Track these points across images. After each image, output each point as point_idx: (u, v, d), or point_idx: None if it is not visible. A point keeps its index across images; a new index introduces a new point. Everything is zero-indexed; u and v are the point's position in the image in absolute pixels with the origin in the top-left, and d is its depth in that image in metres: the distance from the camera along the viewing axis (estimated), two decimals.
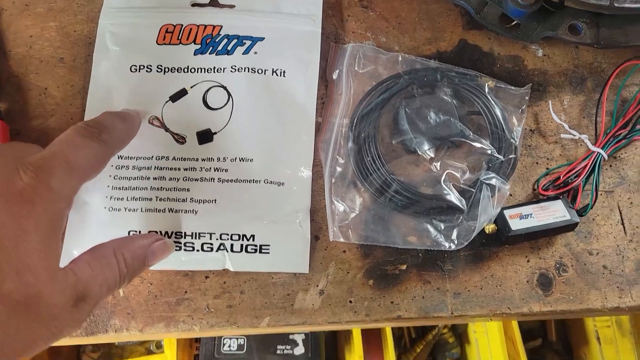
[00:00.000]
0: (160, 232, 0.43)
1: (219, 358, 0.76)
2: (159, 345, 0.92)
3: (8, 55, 0.47)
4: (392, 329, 0.80)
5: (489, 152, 0.45)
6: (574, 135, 0.46)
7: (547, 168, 0.46)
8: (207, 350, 0.77)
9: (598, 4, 0.44)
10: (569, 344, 0.96)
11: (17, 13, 0.48)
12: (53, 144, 0.36)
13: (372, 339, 0.78)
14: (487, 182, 0.43)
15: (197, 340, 0.80)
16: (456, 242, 0.43)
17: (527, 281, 0.44)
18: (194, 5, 0.49)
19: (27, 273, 0.31)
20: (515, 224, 0.43)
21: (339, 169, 0.45)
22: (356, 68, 0.47)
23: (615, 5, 0.44)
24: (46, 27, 0.48)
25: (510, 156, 0.45)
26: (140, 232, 0.43)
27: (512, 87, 0.47)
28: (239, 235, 0.43)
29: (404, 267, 0.44)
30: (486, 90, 0.46)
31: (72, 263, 0.35)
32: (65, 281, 0.33)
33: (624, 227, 0.45)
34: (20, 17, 0.48)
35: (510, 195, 0.46)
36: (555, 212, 0.44)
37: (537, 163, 0.47)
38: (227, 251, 0.43)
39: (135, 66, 0.46)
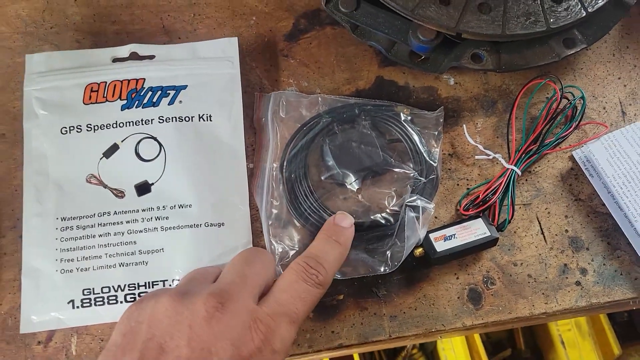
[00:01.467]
0: (113, 286, 0.45)
1: None
2: None
3: None
4: (363, 356, 0.81)
5: (412, 175, 0.48)
6: (488, 155, 0.49)
7: (467, 188, 0.49)
8: None
9: (492, 33, 0.47)
10: (538, 351, 0.99)
11: None
12: (278, 292, 0.39)
13: None
14: (411, 204, 0.46)
15: None
16: (390, 264, 0.45)
17: (458, 297, 0.46)
18: (114, 60, 0.51)
19: None
20: (440, 246, 0.46)
21: (274, 211, 0.48)
22: (281, 114, 0.50)
23: (507, 32, 0.47)
24: None
25: (432, 176, 0.48)
26: (94, 289, 0.45)
27: (426, 112, 0.50)
28: None
29: (341, 297, 0.46)
30: (402, 118, 0.49)
31: None
32: None
33: (544, 237, 0.48)
34: None
35: (436, 217, 0.49)
36: (476, 230, 0.46)
37: (457, 185, 0.50)
38: None
39: (66, 128, 0.49)
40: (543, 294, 0.46)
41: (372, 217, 0.47)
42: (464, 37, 0.48)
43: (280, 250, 0.46)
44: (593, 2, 0.49)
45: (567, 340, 0.87)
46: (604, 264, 0.47)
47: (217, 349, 0.35)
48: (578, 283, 0.47)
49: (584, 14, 0.48)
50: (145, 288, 0.45)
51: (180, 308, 0.36)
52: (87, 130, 0.49)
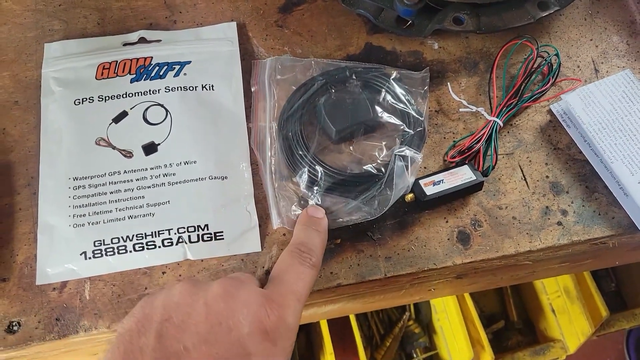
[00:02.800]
0: (122, 237, 0.48)
1: None
2: None
3: None
4: (361, 329, 0.84)
5: (401, 127, 0.51)
6: (472, 109, 0.53)
7: (454, 140, 0.53)
8: None
9: None
10: (530, 322, 1.01)
11: None
12: (280, 275, 0.42)
13: (343, 342, 0.82)
14: (400, 153, 0.49)
15: None
16: (380, 209, 0.48)
17: (448, 239, 0.49)
18: (125, 44, 0.55)
19: None
20: (430, 190, 0.49)
21: (274, 167, 0.51)
22: (277, 77, 0.54)
23: None
24: (0, 76, 0.54)
25: (419, 129, 0.51)
26: (104, 240, 0.48)
27: (414, 72, 0.54)
28: (194, 227, 0.48)
29: (338, 241, 0.49)
30: (390, 77, 0.53)
31: None
32: None
33: (526, 182, 0.51)
34: None
35: (425, 168, 0.52)
36: (463, 175, 0.50)
37: (444, 138, 0.53)
38: (186, 243, 0.48)
39: (79, 99, 0.52)
40: (527, 233, 0.50)
41: (363, 167, 0.50)
42: (446, 0, 0.52)
43: (283, 203, 0.49)
44: None
45: (557, 308, 0.90)
46: (583, 206, 0.51)
47: (235, 323, 0.36)
48: (559, 223, 0.50)
49: None
50: (153, 237, 0.48)
51: (194, 290, 0.38)
52: (99, 100, 0.53)
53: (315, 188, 0.49)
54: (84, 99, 0.52)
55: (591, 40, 0.57)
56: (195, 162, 0.50)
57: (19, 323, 0.46)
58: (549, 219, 0.50)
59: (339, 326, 0.81)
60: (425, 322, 0.96)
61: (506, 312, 1.03)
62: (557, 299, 0.90)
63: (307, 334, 0.90)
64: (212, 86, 0.54)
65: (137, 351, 0.35)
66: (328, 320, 0.78)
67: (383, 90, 0.53)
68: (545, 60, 0.54)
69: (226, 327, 0.35)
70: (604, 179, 0.51)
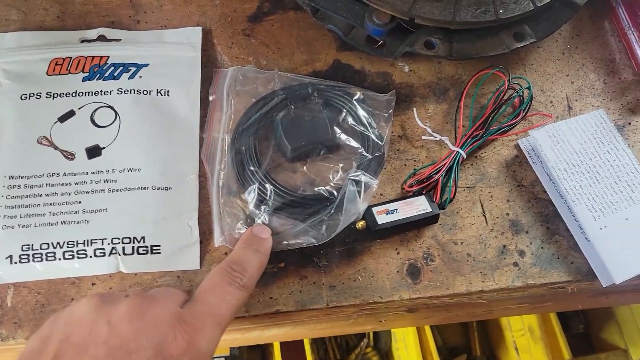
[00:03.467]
0: (52, 243, 0.45)
1: None
2: None
3: None
4: (317, 352, 0.81)
5: (358, 151, 0.49)
6: (436, 137, 0.51)
7: (414, 168, 0.50)
8: None
9: (443, 20, 0.49)
10: (493, 357, 0.99)
11: None
12: (203, 294, 0.39)
13: None
14: (355, 178, 0.47)
15: None
16: (326, 235, 0.46)
17: (398, 272, 0.47)
18: (83, 41, 0.53)
19: None
20: (382, 219, 0.47)
21: (222, 181, 0.48)
22: (236, 88, 0.51)
23: (458, 19, 0.49)
24: None
25: (377, 154, 0.49)
26: (32, 245, 0.45)
27: (379, 94, 0.52)
28: (130, 238, 0.46)
29: (282, 265, 0.47)
30: (353, 98, 0.51)
31: None
32: None
33: (485, 218, 0.49)
34: None
35: (381, 194, 0.50)
36: (418, 206, 0.47)
37: (405, 165, 0.51)
38: (120, 254, 0.45)
39: (26, 94, 0.50)
40: (481, 272, 0.47)
41: (315, 189, 0.48)
42: (417, 22, 0.50)
43: (226, 217, 0.47)
44: None
45: (521, 346, 0.87)
46: (542, 247, 0.48)
47: (137, 347, 0.33)
48: (516, 264, 0.48)
49: (532, 8, 0.51)
50: (84, 245, 0.45)
51: (101, 305, 0.35)
52: (47, 97, 0.50)
53: (264, 207, 0.47)
54: (32, 94, 0.50)
55: (567, 75, 0.55)
56: (139, 169, 0.48)
57: None
58: (505, 258, 0.48)
59: (293, 349, 0.78)
60: (384, 351, 0.93)
61: (470, 345, 1.00)
62: (521, 337, 0.87)
63: (263, 354, 0.88)
64: (168, 92, 0.51)
65: None
66: (281, 342, 0.75)
67: (344, 110, 0.50)
68: (517, 92, 0.51)
69: (126, 351, 0.33)
70: (566, 221, 0.49)
